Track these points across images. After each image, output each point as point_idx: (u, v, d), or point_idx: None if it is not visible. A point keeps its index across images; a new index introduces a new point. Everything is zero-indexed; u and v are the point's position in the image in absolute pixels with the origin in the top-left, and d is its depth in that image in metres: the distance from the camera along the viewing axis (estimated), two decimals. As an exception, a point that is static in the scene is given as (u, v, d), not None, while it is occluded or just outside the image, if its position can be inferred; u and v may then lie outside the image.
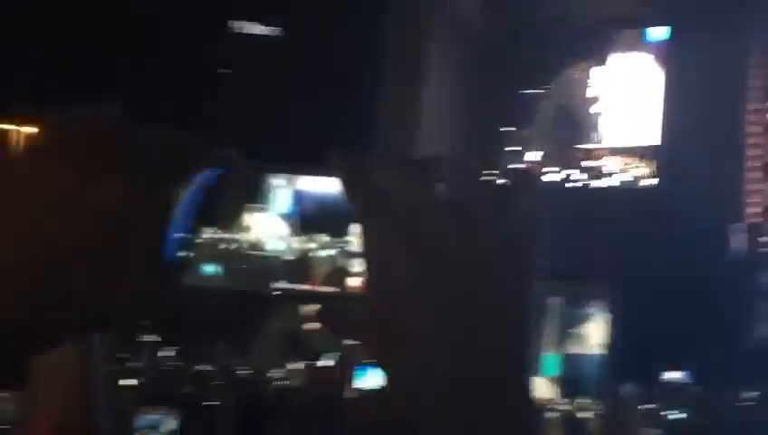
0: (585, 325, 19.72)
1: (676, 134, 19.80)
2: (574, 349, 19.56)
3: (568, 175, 21.11)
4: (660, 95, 20.54)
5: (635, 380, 15.55)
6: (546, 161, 21.36)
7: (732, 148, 19.91)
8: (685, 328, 17.87)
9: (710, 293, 18.71)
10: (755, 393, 15.83)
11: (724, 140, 19.56)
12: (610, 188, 20.75)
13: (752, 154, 20.03)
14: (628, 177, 20.70)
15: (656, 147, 20.45)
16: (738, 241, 19.60)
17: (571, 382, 18.61)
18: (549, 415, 13.61)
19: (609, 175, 20.84)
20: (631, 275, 18.73)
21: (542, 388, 17.14)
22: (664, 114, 20.36)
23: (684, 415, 13.89)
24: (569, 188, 20.88)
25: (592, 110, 21.38)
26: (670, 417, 14.12)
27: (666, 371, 16.90)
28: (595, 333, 19.56)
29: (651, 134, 20.60)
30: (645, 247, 18.75)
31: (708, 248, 19.13)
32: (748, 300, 19.68)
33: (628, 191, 20.60)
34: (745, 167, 20.04)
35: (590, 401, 15.79)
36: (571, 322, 19.69)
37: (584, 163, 21.09)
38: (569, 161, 21.21)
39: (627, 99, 21.12)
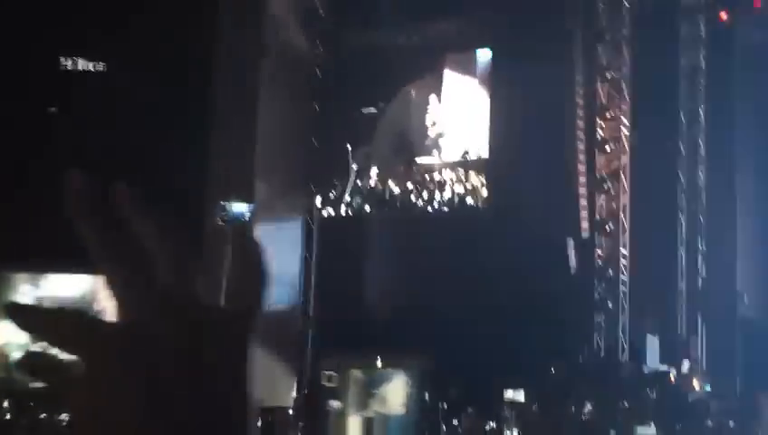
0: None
1: (503, 151, 20.22)
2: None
3: (403, 190, 21.38)
4: (487, 113, 21.02)
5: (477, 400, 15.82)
6: (383, 177, 21.59)
7: (562, 164, 20.46)
8: (520, 345, 18.21)
9: (545, 307, 19.18)
10: (591, 405, 16.28)
11: (554, 156, 20.09)
12: (441, 210, 21.09)
13: (581, 170, 20.60)
14: (460, 192, 21.05)
15: (486, 163, 20.86)
16: (572, 255, 20.11)
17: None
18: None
19: (443, 190, 21.15)
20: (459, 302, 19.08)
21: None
22: (491, 132, 20.80)
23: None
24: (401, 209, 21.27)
25: (427, 127, 21.70)
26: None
27: (506, 389, 17.17)
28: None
29: (481, 150, 21.05)
30: (477, 263, 19.14)
31: (542, 262, 19.60)
32: (582, 313, 20.23)
33: (460, 211, 20.96)
34: (577, 182, 20.58)
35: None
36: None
37: (418, 178, 21.42)
38: (405, 177, 21.51)
39: (458, 117, 21.52)
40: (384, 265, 21.34)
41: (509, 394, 17.02)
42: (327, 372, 19.69)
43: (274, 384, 19.56)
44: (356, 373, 19.97)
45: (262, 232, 20.35)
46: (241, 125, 20.03)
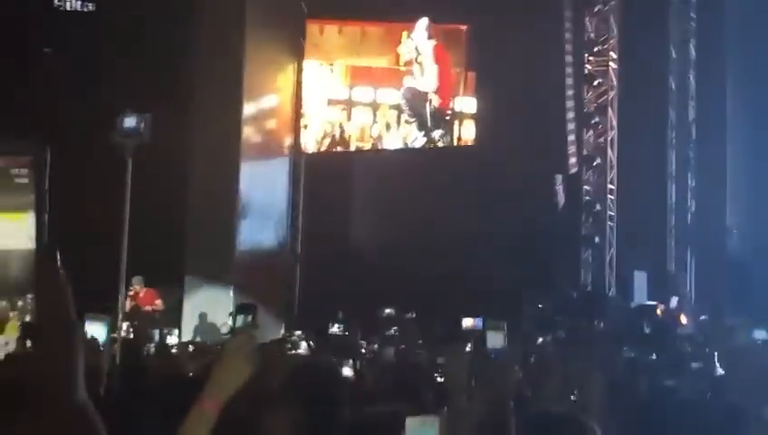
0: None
1: (491, 87, 20.06)
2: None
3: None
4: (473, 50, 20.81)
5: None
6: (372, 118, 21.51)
7: (551, 102, 20.33)
8: (507, 280, 18.23)
9: (535, 242, 19.19)
10: (574, 335, 16.28)
11: (543, 96, 19.97)
12: (428, 147, 20.97)
13: (569, 105, 20.47)
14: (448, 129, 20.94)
15: (473, 100, 20.68)
16: (559, 190, 20.05)
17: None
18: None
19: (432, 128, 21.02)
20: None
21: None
22: (478, 68, 20.59)
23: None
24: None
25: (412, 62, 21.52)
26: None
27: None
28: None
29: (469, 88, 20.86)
30: (466, 199, 19.13)
31: (531, 199, 19.59)
32: (570, 248, 20.22)
33: (449, 148, 20.86)
34: (565, 117, 20.47)
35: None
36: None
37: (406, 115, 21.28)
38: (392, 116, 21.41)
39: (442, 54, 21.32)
40: (369, 202, 21.33)
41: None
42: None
43: (265, 320, 19.59)
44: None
45: (249, 170, 20.44)
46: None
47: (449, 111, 20.88)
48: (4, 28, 18.39)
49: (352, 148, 21.71)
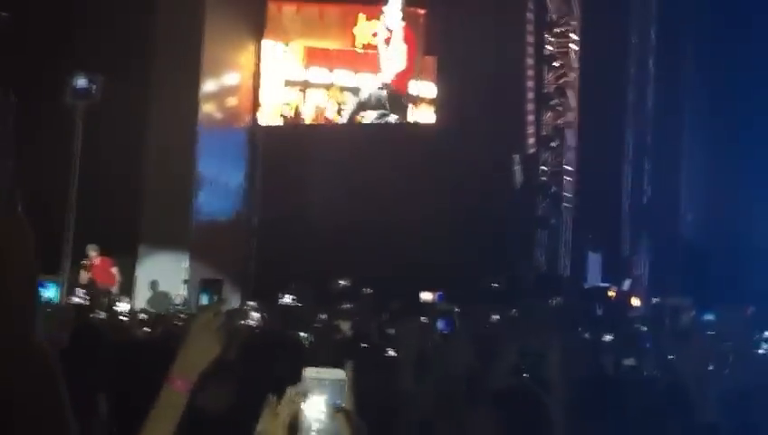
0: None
1: (451, 66, 20.05)
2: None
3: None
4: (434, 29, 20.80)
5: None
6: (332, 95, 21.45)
7: (511, 83, 20.36)
8: (462, 259, 18.28)
9: (492, 221, 19.25)
10: (528, 314, 16.37)
11: (503, 77, 19.99)
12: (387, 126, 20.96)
13: (529, 86, 20.52)
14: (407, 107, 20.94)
15: (433, 78, 20.66)
16: (517, 170, 20.10)
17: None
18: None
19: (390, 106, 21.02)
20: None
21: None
22: (439, 47, 20.55)
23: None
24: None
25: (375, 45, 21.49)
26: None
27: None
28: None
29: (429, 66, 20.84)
30: (423, 177, 19.13)
31: (488, 178, 19.62)
32: (526, 228, 20.32)
33: (408, 125, 20.84)
34: (525, 98, 20.51)
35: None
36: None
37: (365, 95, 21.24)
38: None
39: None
40: (327, 179, 21.29)
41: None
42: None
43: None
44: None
45: (207, 141, 20.31)
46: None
47: (404, 96, 20.92)
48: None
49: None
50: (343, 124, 21.34)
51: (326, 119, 21.45)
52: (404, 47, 20.76)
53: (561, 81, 20.29)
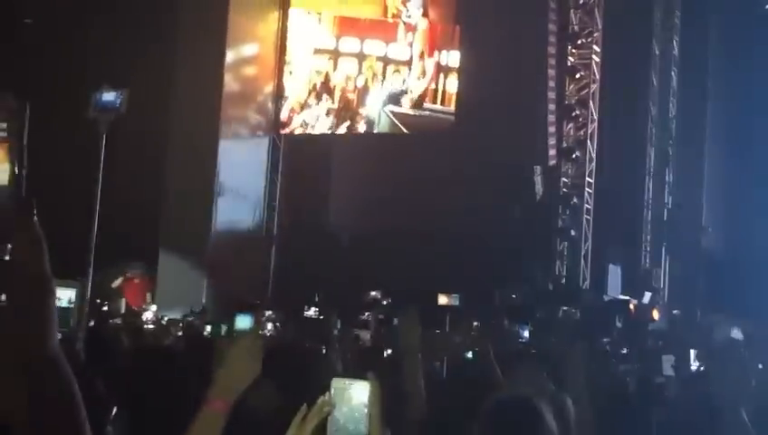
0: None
1: (473, 77, 19.99)
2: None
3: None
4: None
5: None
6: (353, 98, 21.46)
7: (533, 92, 20.32)
8: (483, 269, 18.23)
9: (510, 233, 19.19)
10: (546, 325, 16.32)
11: (526, 87, 19.96)
12: (409, 135, 20.93)
13: (551, 97, 20.47)
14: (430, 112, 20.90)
15: (456, 88, 20.60)
16: (538, 181, 20.03)
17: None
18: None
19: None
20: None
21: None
22: (461, 58, 20.51)
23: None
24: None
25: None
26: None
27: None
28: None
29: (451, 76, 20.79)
30: (444, 186, 19.10)
31: (509, 190, 19.58)
32: (546, 239, 20.24)
33: (429, 135, 20.81)
34: (546, 109, 20.45)
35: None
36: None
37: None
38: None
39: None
40: (349, 184, 21.30)
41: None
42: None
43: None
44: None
45: (228, 150, 20.36)
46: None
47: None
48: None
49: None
50: (362, 134, 21.32)
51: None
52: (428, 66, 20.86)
53: (582, 92, 20.24)
